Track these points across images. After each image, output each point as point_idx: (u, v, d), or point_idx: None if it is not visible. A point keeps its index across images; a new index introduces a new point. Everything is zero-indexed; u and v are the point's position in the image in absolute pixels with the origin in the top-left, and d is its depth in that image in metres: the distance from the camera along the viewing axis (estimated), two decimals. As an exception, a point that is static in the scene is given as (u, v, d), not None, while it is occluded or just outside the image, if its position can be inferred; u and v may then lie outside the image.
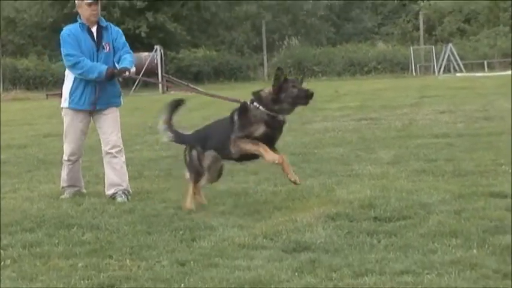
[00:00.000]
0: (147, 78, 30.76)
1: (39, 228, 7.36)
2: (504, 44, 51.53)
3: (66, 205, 8.59)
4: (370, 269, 5.54)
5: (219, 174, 8.37)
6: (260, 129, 7.67)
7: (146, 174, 10.90)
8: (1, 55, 47.78)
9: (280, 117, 7.74)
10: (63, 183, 9.36)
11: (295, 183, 7.76)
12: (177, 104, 8.64)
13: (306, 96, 7.68)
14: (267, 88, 7.83)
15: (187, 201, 8.10)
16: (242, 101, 8.00)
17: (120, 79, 9.30)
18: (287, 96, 7.63)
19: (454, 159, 10.62)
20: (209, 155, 8.09)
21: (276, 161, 7.56)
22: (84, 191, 9.44)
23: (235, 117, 7.88)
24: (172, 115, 8.62)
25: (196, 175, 8.16)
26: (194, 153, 8.20)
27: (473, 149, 11.66)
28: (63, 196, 9.24)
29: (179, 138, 8.52)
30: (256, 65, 54.12)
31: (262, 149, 7.60)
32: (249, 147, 7.68)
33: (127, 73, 9.08)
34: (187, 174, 8.29)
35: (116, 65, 9.06)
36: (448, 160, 10.59)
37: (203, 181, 8.22)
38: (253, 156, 7.86)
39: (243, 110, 7.84)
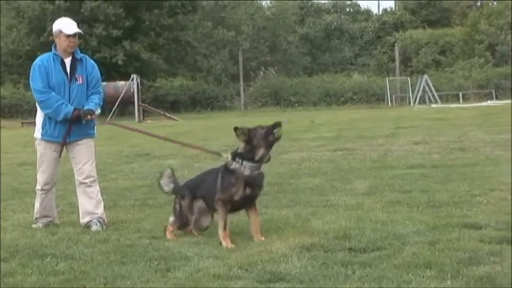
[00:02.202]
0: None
1: (13, 258, 7.30)
2: (479, 76, 52.03)
3: (40, 235, 8.53)
4: (344, 300, 5.54)
5: (206, 228, 8.31)
6: (240, 192, 7.83)
7: (121, 203, 10.86)
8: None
9: (261, 169, 7.92)
10: (36, 214, 9.29)
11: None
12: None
13: (274, 128, 7.84)
14: (240, 146, 7.97)
15: (168, 236, 8.18)
16: (218, 152, 8.49)
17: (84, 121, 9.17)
18: (258, 138, 7.82)
19: (429, 190, 10.65)
20: (198, 206, 8.15)
21: (225, 246, 7.58)
22: (57, 221, 9.36)
23: (219, 176, 8.02)
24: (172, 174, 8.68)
25: (182, 224, 8.25)
26: (184, 203, 8.24)
27: (448, 180, 11.72)
28: (35, 225, 9.17)
29: (177, 189, 8.51)
30: (233, 95, 54.25)
31: (224, 234, 7.69)
32: (220, 217, 7.83)
33: (90, 117, 9.03)
34: (171, 220, 8.31)
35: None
36: (423, 191, 10.63)
37: (192, 227, 8.28)
38: (237, 210, 8.06)
39: (227, 169, 7.96)
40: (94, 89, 9.19)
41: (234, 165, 7.90)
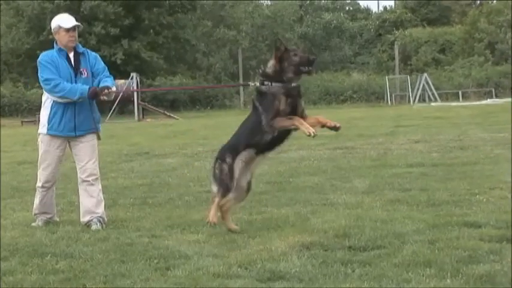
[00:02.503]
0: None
1: (13, 257, 7.30)
2: (478, 74, 52.05)
3: (40, 233, 8.53)
4: (344, 299, 5.55)
5: (248, 189, 8.27)
6: (283, 102, 7.78)
7: (121, 202, 10.86)
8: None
9: (293, 84, 7.89)
10: (35, 210, 9.28)
11: (335, 128, 7.99)
12: None
13: (308, 62, 7.87)
14: (270, 62, 7.95)
15: (211, 214, 8.01)
16: (247, 83, 8.20)
17: (105, 97, 9.14)
18: (289, 64, 7.81)
19: (429, 189, 10.65)
20: (240, 161, 8.03)
21: (312, 134, 7.65)
22: (56, 218, 9.36)
23: (257, 104, 7.99)
24: None
25: (225, 190, 8.06)
26: (224, 166, 8.08)
27: (448, 178, 11.72)
28: (34, 223, 9.17)
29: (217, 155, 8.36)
30: (232, 93, 54.25)
31: (298, 122, 7.73)
32: (285, 123, 7.79)
33: (107, 91, 8.98)
34: (215, 188, 8.17)
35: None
36: (423, 190, 10.63)
37: (231, 202, 8.13)
38: (285, 136, 7.97)
39: (260, 93, 7.95)
40: (103, 74, 9.18)
41: (266, 88, 7.87)
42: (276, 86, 7.82)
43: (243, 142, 8.08)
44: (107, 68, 9.37)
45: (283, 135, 7.98)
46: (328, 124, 7.98)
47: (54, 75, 8.92)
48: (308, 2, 77.28)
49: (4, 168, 16.30)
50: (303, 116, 7.93)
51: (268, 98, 7.85)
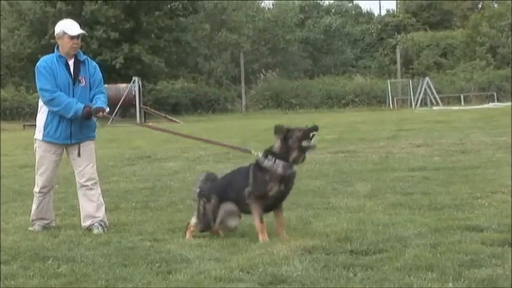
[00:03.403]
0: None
1: (14, 261, 7.30)
2: (480, 78, 52.04)
3: (41, 237, 8.53)
4: (346, 303, 5.54)
5: (235, 227, 8.28)
6: (275, 189, 7.85)
7: (123, 206, 10.86)
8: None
9: (294, 168, 7.95)
10: (32, 216, 9.23)
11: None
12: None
13: (310, 130, 7.87)
14: (276, 143, 7.95)
15: (187, 237, 8.18)
16: (247, 149, 8.45)
17: (96, 118, 9.18)
18: (294, 140, 7.82)
19: (431, 193, 10.65)
20: (225, 209, 8.08)
21: (261, 240, 7.71)
22: (53, 224, 9.31)
23: (251, 173, 8.00)
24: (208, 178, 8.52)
25: (204, 227, 8.19)
26: (208, 207, 8.15)
27: (450, 182, 11.72)
28: (31, 228, 9.15)
29: (201, 191, 8.38)
30: (234, 97, 54.27)
31: (260, 229, 7.81)
32: (255, 215, 7.87)
33: (101, 113, 8.98)
34: (193, 221, 8.26)
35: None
36: (425, 193, 10.63)
37: (217, 228, 8.24)
38: (270, 209, 8.05)
39: (260, 167, 7.95)
40: (97, 89, 9.18)
41: (267, 163, 7.88)
42: (276, 167, 7.83)
43: (230, 196, 8.11)
44: (103, 81, 9.35)
45: (267, 208, 8.03)
46: (281, 235, 7.94)
47: (51, 84, 8.88)
48: (310, 1, 77.27)
49: (6, 171, 16.30)
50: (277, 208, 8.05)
51: (264, 176, 7.88)
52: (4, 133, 34.21)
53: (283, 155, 7.85)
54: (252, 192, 7.89)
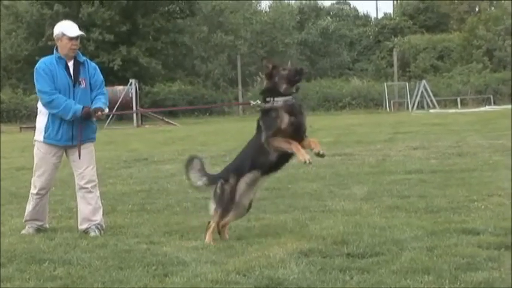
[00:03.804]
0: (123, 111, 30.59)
1: (10, 263, 7.28)
2: (477, 81, 52.09)
3: (38, 240, 8.51)
4: (342, 306, 5.54)
5: (248, 207, 8.31)
6: (285, 119, 7.83)
7: (119, 208, 10.84)
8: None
9: (293, 100, 7.96)
10: (26, 217, 9.21)
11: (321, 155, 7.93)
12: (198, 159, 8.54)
13: (296, 74, 7.99)
14: (264, 82, 8.13)
15: (208, 237, 8.07)
16: (248, 102, 8.30)
17: (95, 119, 9.18)
18: (280, 78, 7.91)
19: (427, 196, 10.65)
20: (244, 183, 8.07)
21: (307, 162, 7.70)
22: (46, 226, 9.28)
23: (261, 123, 8.04)
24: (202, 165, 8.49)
25: (225, 211, 8.11)
26: (227, 187, 8.11)
27: (446, 185, 11.72)
28: (24, 231, 9.12)
29: (213, 179, 8.35)
30: (231, 100, 54.24)
31: (295, 148, 7.78)
32: (283, 145, 7.83)
33: (100, 113, 8.99)
34: (213, 208, 8.19)
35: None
36: (421, 196, 10.63)
37: (231, 217, 8.19)
38: (290, 156, 7.99)
39: (263, 112, 8.02)
40: (99, 90, 9.17)
41: (268, 105, 7.94)
42: (278, 101, 7.86)
43: (248, 163, 8.10)
44: (104, 82, 9.35)
45: (287, 155, 7.99)
46: (316, 150, 7.94)
47: (49, 86, 8.85)
48: (310, 2, 77.28)
49: (2, 174, 16.27)
50: (303, 135, 7.99)
51: (270, 115, 7.90)
52: (1, 135, 34.18)
53: (275, 90, 7.92)
54: (267, 135, 7.87)
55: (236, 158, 8.46)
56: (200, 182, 8.41)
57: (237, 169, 8.17)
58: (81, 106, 8.87)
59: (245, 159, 8.17)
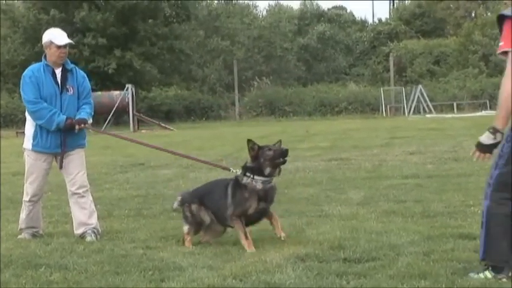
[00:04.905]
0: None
1: (7, 269, 7.26)
2: (473, 86, 52.17)
3: (34, 245, 8.50)
4: (339, 311, 5.53)
5: (224, 229, 8.38)
6: (254, 206, 7.92)
7: (115, 213, 10.83)
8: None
9: (273, 183, 8.04)
10: (21, 225, 9.18)
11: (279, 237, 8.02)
12: None
13: (281, 154, 7.97)
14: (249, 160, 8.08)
15: (187, 244, 8.17)
16: (227, 167, 8.54)
17: (77, 130, 9.15)
18: (265, 159, 7.92)
19: (424, 201, 10.66)
20: (207, 213, 8.19)
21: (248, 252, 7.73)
22: (41, 232, 9.25)
23: (229, 192, 8.07)
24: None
25: (197, 228, 8.26)
26: (193, 208, 8.24)
27: (443, 190, 11.72)
28: (20, 236, 9.11)
29: (183, 200, 8.48)
30: (227, 104, 54.31)
31: (248, 244, 7.79)
32: (240, 230, 7.90)
33: (83, 125, 9.00)
34: (186, 228, 8.28)
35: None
36: (418, 201, 10.63)
37: (208, 237, 8.32)
38: (252, 223, 8.14)
39: (239, 184, 8.03)
40: (85, 99, 9.16)
41: (246, 180, 7.97)
42: (257, 181, 7.91)
43: (209, 205, 8.22)
44: (91, 91, 9.39)
45: (252, 221, 8.12)
46: (276, 231, 8.07)
47: (34, 95, 8.85)
48: (312, 7, 77.39)
49: (-1, 179, 16.27)
50: (268, 216, 8.11)
51: (244, 194, 7.96)
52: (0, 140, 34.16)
53: (259, 170, 7.95)
54: (233, 212, 7.95)
55: (205, 186, 8.66)
56: (176, 203, 8.63)
57: (200, 198, 8.30)
58: (65, 117, 8.86)
59: (209, 198, 8.26)
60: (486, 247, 6.23)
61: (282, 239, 7.96)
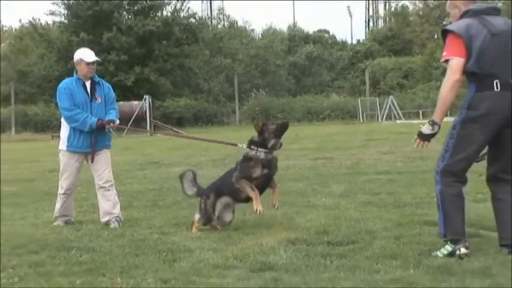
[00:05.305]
0: (136, 128, 30.51)
1: (43, 251, 7.24)
2: (436, 96, 51.50)
3: (66, 231, 8.48)
4: (324, 287, 5.51)
5: (229, 223, 8.30)
6: (257, 171, 7.87)
7: (135, 204, 10.82)
8: (14, 102, 47.73)
9: (274, 154, 7.99)
10: (56, 213, 9.20)
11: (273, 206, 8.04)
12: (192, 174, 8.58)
13: (282, 126, 8.02)
14: (255, 136, 8.05)
15: (194, 229, 8.13)
16: (234, 143, 8.43)
17: (108, 128, 9.17)
18: (269, 132, 7.92)
19: (395, 193, 10.64)
20: (222, 202, 8.12)
21: (258, 212, 7.73)
22: (73, 220, 9.25)
23: (239, 164, 8.07)
24: (194, 177, 8.54)
25: (206, 220, 8.19)
26: (208, 202, 8.19)
27: (411, 184, 11.71)
28: (55, 223, 9.10)
29: (200, 192, 8.42)
30: (229, 112, 54.28)
31: (254, 196, 7.80)
32: (246, 189, 7.88)
33: (112, 124, 9.07)
34: (197, 217, 8.22)
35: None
36: (390, 193, 10.62)
37: (215, 223, 8.23)
38: (261, 190, 8.00)
39: (244, 158, 8.02)
40: (111, 106, 9.26)
41: (251, 152, 7.95)
42: (261, 152, 7.90)
43: (224, 190, 8.15)
44: (115, 99, 9.42)
45: (259, 190, 8.00)
46: (273, 201, 8.07)
47: (69, 103, 8.94)
48: (297, 30, 77.35)
49: (36, 175, 16.27)
50: (272, 186, 8.06)
51: (249, 162, 7.94)
52: (36, 143, 34.12)
53: (262, 143, 7.93)
54: (238, 175, 7.93)
55: (218, 179, 8.53)
56: (191, 191, 8.52)
57: (216, 189, 8.23)
58: (96, 119, 8.93)
59: (223, 186, 8.20)
60: (445, 224, 6.27)
61: (276, 207, 8.01)
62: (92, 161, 9.09)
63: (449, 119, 6.75)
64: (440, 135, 6.70)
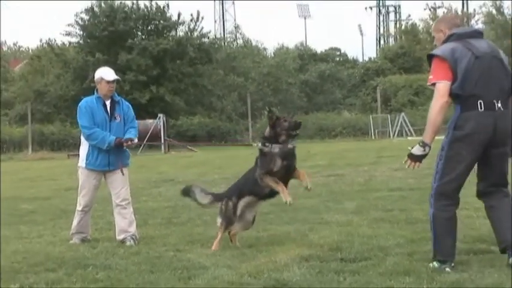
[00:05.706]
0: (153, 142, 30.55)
1: (60, 268, 7.26)
2: (447, 113, 51.61)
3: (83, 248, 8.50)
4: (337, 303, 5.49)
5: (252, 221, 8.32)
6: (278, 164, 7.81)
7: (150, 222, 10.82)
8: (31, 122, 48.04)
9: (289, 145, 7.92)
10: (72, 230, 9.23)
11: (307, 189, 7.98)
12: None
13: (295, 126, 7.93)
14: (267, 129, 8.03)
15: (215, 245, 8.08)
16: (250, 144, 8.38)
17: (125, 147, 9.20)
18: (281, 129, 7.85)
19: (407, 209, 10.61)
20: (244, 202, 8.09)
21: (288, 203, 7.75)
22: (89, 237, 9.28)
23: (258, 160, 8.02)
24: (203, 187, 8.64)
25: (228, 223, 8.15)
26: (230, 204, 8.16)
27: (423, 200, 11.61)
28: (71, 241, 9.13)
29: (217, 197, 8.42)
30: (242, 130, 54.31)
31: (281, 188, 7.80)
32: (271, 184, 7.84)
33: (130, 142, 9.09)
34: (219, 221, 8.21)
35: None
36: (402, 210, 10.58)
37: (238, 228, 8.21)
38: (285, 182, 7.96)
39: (261, 153, 7.97)
40: (131, 124, 9.30)
41: (266, 149, 7.90)
42: (275, 147, 7.84)
43: (246, 189, 8.13)
44: (135, 118, 9.43)
45: (282, 181, 7.97)
46: (304, 183, 8.02)
47: (89, 122, 8.99)
48: (307, 49, 77.48)
49: (53, 193, 16.31)
50: (295, 175, 8.01)
51: (267, 157, 7.89)
52: (52, 161, 34.25)
53: (274, 138, 7.86)
54: (260, 172, 7.87)
55: (238, 180, 8.48)
56: (206, 200, 8.52)
57: (238, 191, 8.20)
58: (115, 137, 8.96)
59: (245, 185, 8.19)
60: (434, 245, 6.44)
61: (308, 188, 7.92)
62: (123, 173, 9.12)
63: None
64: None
